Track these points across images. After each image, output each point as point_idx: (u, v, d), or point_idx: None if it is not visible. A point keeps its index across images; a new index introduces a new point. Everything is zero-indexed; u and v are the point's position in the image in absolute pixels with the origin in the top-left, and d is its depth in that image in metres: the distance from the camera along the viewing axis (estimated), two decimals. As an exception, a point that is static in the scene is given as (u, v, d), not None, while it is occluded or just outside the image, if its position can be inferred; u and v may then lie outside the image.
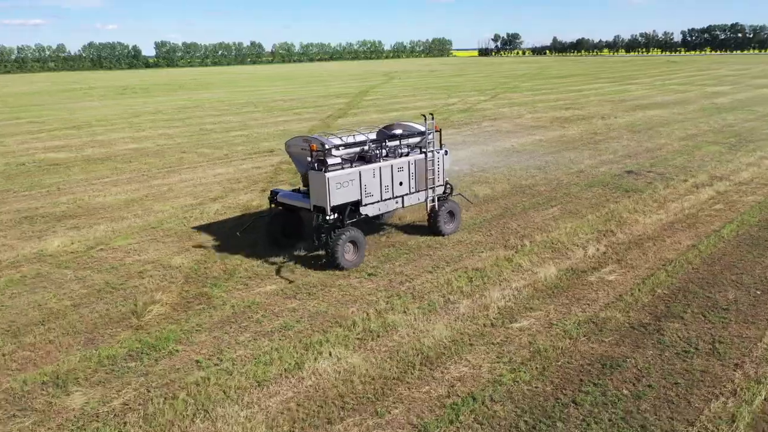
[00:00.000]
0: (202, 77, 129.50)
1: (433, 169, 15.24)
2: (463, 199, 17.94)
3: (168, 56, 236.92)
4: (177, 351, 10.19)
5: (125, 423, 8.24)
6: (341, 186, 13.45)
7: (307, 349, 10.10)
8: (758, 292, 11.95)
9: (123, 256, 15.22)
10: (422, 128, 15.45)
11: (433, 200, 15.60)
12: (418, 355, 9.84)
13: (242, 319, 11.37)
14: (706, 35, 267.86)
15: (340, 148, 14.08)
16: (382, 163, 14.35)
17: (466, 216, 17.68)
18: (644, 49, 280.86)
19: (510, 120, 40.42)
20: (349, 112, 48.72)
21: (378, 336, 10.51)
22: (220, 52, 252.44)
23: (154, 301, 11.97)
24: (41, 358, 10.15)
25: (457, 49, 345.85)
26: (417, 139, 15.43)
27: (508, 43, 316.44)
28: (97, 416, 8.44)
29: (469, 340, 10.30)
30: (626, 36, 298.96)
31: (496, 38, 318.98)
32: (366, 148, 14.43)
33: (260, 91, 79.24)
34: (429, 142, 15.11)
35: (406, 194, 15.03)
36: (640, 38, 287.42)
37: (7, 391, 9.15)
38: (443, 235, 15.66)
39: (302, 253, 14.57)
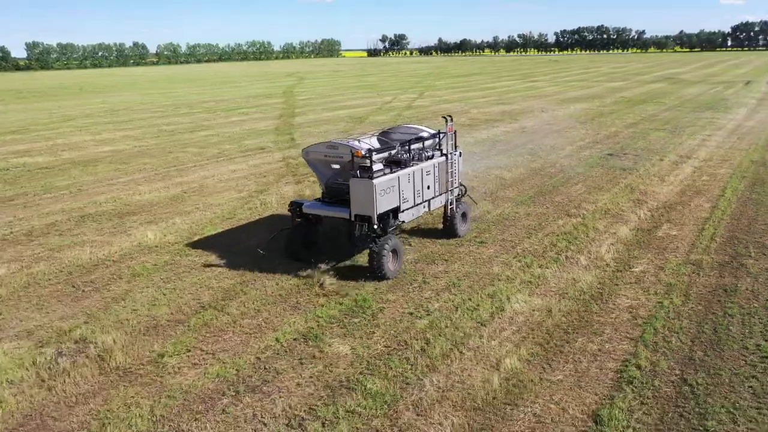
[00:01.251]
0: (93, 80, 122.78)
1: (453, 171, 15.44)
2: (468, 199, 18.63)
3: (41, 58, 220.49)
4: (383, 308, 11.80)
5: (407, 358, 9.88)
6: (385, 193, 13.16)
7: (491, 297, 12.10)
8: (786, 236, 15.45)
9: (230, 243, 16.19)
10: (430, 131, 16.00)
11: (451, 202, 15.65)
12: (583, 294, 12.17)
13: (408, 282, 13.09)
14: (576, 36, 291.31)
15: (374, 153, 13.56)
16: (415, 167, 14.20)
17: (512, 193, 20.23)
18: (522, 49, 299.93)
19: (462, 114, 43.54)
20: (296, 112, 49.82)
21: (537, 285, 12.71)
22: (100, 54, 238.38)
23: (323, 272, 13.33)
24: (265, 323, 11.37)
25: (346, 50, 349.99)
26: (429, 142, 15.80)
27: (396, 44, 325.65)
28: (373, 356, 9.99)
29: (611, 282, 12.78)
30: (504, 37, 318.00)
31: (384, 39, 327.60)
32: (394, 151, 14.31)
33: (173, 93, 77.29)
34: (448, 144, 15.33)
35: (432, 198, 14.98)
36: (518, 39, 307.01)
37: (270, 347, 10.40)
38: (459, 237, 15.74)
39: (330, 264, 13.95)
